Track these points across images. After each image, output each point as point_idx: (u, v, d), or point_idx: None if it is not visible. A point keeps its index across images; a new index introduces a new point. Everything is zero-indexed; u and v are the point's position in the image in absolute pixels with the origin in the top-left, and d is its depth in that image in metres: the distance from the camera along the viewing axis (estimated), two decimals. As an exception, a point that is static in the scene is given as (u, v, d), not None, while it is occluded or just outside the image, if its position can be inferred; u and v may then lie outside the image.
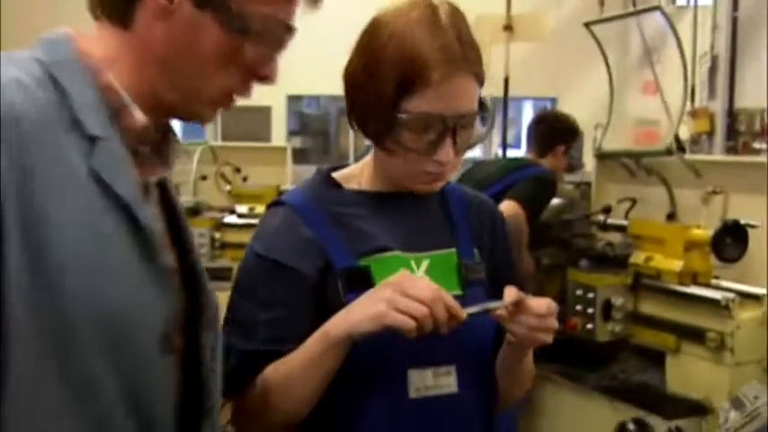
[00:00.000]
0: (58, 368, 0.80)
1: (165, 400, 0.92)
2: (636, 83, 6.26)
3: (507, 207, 3.10)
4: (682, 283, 2.84)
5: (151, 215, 0.92)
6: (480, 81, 1.16)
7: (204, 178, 4.70)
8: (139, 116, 0.90)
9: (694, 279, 2.86)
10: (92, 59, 0.89)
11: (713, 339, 2.66)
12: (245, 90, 0.96)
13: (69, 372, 0.80)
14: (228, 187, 4.62)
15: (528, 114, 7.59)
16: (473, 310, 1.07)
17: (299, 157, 6.97)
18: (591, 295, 3.03)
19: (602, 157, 3.60)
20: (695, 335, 2.75)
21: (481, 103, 1.17)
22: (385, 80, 1.11)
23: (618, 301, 3.00)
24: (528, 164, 3.44)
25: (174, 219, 1.01)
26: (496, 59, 5.53)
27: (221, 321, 1.05)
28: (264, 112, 6.93)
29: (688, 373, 2.78)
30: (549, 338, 1.13)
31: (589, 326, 3.03)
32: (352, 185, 1.25)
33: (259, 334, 1.13)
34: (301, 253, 1.16)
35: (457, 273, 1.22)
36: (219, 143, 5.80)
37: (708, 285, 2.82)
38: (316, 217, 1.19)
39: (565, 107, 6.00)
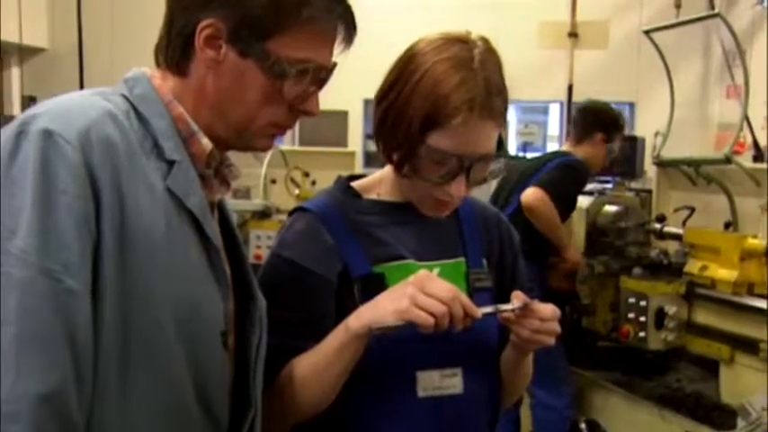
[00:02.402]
0: (145, 359, 0.92)
1: (224, 395, 1.04)
2: (720, 86, 6.09)
3: (529, 193, 3.13)
4: (736, 294, 2.81)
5: (215, 229, 1.06)
6: (501, 125, 1.20)
7: (274, 182, 4.85)
8: (206, 142, 1.04)
9: (750, 289, 2.82)
10: (165, 94, 1.03)
11: (766, 350, 2.62)
12: (290, 122, 1.07)
13: (153, 358, 0.93)
14: (297, 191, 4.75)
15: None
16: (486, 310, 1.12)
17: (375, 160, 7.04)
18: (643, 303, 3.02)
19: (662, 164, 3.56)
20: (749, 346, 2.72)
21: (499, 143, 1.21)
22: (413, 115, 1.16)
23: (671, 309, 2.97)
24: (560, 154, 3.42)
25: (230, 235, 1.15)
26: (565, 65, 5.51)
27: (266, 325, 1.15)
28: (341, 117, 7.03)
29: (742, 383, 2.74)
30: (551, 341, 1.18)
31: (641, 334, 3.01)
32: (370, 195, 1.30)
33: (283, 331, 1.17)
34: (324, 258, 1.21)
35: (465, 280, 1.27)
36: (291, 147, 5.95)
37: (764, 296, 2.78)
38: (337, 224, 1.24)
39: (643, 112, 5.90)
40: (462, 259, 1.29)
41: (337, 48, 1.06)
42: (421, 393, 1.20)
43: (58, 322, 0.84)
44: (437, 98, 1.15)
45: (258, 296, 1.13)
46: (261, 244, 4.43)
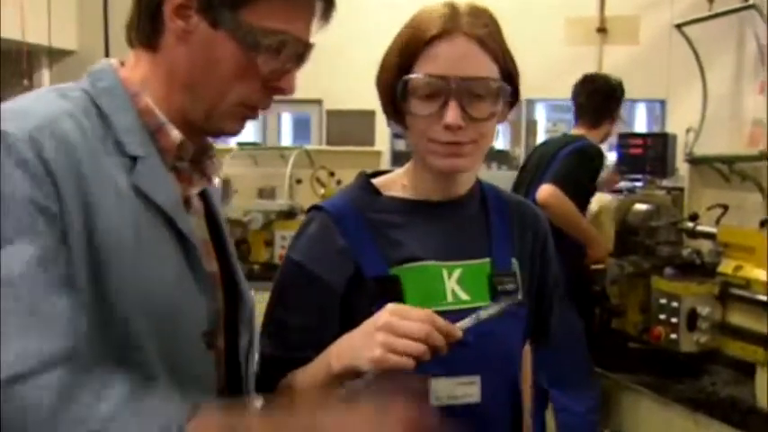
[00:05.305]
0: (119, 361, 0.88)
1: (210, 396, 1.00)
2: (754, 82, 5.97)
3: (542, 191, 3.09)
4: (773, 294, 2.71)
5: (193, 224, 1.02)
6: (490, 52, 1.15)
7: (299, 182, 4.85)
8: (175, 134, 0.99)
9: (787, 290, 2.72)
10: (132, 85, 0.99)
11: (804, 353, 2.53)
12: (264, 102, 1.02)
13: (127, 361, 0.89)
14: (322, 190, 4.74)
15: (641, 116, 7.32)
16: (466, 324, 1.05)
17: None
18: (675, 304, 2.92)
19: (694, 162, 3.47)
20: (786, 348, 2.62)
21: (503, 80, 1.16)
22: (396, 53, 1.16)
23: (704, 310, 2.87)
24: (573, 139, 3.36)
25: (217, 229, 1.11)
26: (594, 62, 5.43)
27: (256, 323, 1.12)
28: (368, 116, 7.03)
29: (778, 387, 2.66)
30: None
31: (673, 336, 2.91)
32: (391, 192, 1.25)
33: (285, 340, 1.16)
34: (333, 263, 1.17)
35: (488, 283, 1.22)
36: (317, 147, 5.93)
37: (801, 297, 2.69)
38: (352, 224, 1.20)
39: (675, 109, 5.80)
40: (488, 260, 1.23)
41: (315, 25, 1.03)
42: (434, 402, 1.14)
43: (52, 294, 0.81)
44: (414, 28, 1.15)
45: (246, 295, 1.10)
46: (285, 245, 4.40)
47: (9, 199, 0.82)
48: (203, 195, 1.10)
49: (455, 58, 1.12)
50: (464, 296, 1.19)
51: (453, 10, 1.15)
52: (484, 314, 1.07)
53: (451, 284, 1.19)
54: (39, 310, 0.80)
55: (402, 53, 1.14)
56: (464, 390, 1.16)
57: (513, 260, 1.26)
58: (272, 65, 0.98)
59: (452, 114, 1.12)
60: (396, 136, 9.30)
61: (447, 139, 1.14)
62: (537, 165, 3.35)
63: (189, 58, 0.97)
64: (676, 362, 2.96)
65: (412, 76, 1.13)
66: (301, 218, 4.55)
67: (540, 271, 1.32)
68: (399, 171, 1.29)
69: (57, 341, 0.79)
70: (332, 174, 4.85)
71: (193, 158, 1.05)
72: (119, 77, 0.99)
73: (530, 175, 3.37)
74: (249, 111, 1.02)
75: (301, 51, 1.01)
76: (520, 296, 1.24)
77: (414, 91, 1.13)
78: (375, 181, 1.28)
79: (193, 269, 0.98)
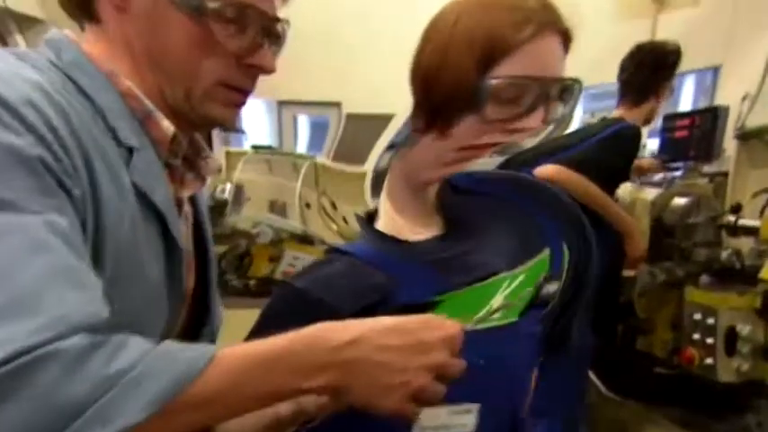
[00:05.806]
0: None
1: None
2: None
3: (542, 170, 2.40)
4: (829, 307, 2.18)
5: (182, 232, 0.93)
6: (567, 48, 1.03)
7: (308, 206, 4.90)
8: (166, 125, 0.90)
9: None
10: (101, 63, 0.87)
11: None
12: (242, 81, 0.93)
13: None
14: (335, 227, 4.73)
15: (688, 92, 6.60)
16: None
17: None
18: (711, 321, 2.46)
19: (746, 137, 2.89)
20: None
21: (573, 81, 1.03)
22: (461, 56, 1.00)
23: (744, 329, 2.41)
24: (608, 124, 2.76)
25: (201, 238, 1.03)
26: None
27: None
28: (388, 122, 6.95)
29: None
30: None
31: (709, 360, 2.45)
32: (412, 237, 1.06)
33: None
34: (352, 293, 1.00)
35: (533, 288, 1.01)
36: (326, 162, 5.78)
37: None
38: (392, 261, 1.02)
39: (730, 76, 5.16)
40: (547, 251, 1.01)
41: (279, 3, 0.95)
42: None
43: (83, 262, 0.73)
44: (491, 24, 1.00)
45: (213, 314, 1.05)
46: (295, 264, 4.34)
47: (25, 162, 0.71)
48: (192, 202, 1.03)
49: (548, 56, 1.01)
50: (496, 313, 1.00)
51: (530, 2, 1.01)
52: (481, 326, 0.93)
53: (497, 299, 1.00)
54: (76, 276, 0.71)
55: (479, 57, 0.99)
56: (457, 419, 0.98)
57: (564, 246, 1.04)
58: (238, 39, 0.91)
59: (537, 118, 1.01)
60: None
61: (505, 140, 1.03)
62: (555, 147, 2.78)
63: (137, 30, 0.89)
64: (713, 393, 2.49)
65: (495, 80, 0.98)
66: (318, 246, 4.50)
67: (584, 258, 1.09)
68: (390, 220, 1.09)
69: (91, 307, 0.71)
70: (334, 206, 4.75)
71: (187, 157, 0.98)
72: (82, 51, 0.88)
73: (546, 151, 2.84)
74: (233, 93, 0.94)
75: (267, 24, 0.93)
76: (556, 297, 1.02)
77: (498, 94, 0.99)
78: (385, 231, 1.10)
79: (171, 281, 0.91)
